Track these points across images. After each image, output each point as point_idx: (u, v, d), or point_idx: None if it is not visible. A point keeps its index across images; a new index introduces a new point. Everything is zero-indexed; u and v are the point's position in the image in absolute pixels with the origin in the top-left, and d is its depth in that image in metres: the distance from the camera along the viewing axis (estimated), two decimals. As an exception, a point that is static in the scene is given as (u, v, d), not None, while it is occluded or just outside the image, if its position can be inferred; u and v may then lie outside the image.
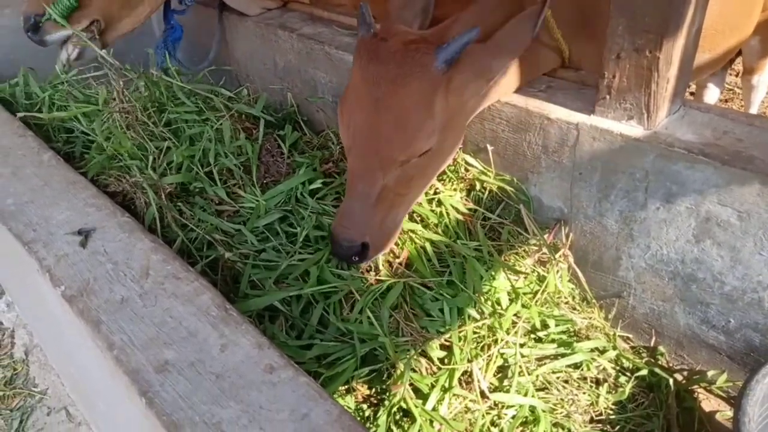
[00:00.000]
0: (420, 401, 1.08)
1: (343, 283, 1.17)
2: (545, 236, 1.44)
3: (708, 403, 1.34)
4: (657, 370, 1.31)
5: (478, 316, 1.23)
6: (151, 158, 1.29)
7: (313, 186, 1.46)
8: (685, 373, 1.37)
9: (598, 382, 1.30)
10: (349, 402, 1.10)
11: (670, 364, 1.41)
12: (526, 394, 1.17)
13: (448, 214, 1.43)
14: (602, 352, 1.33)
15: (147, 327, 0.82)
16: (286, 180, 1.44)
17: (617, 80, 1.27)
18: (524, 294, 1.30)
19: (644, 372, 1.31)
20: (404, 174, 1.22)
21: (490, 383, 1.19)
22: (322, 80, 1.93)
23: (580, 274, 1.43)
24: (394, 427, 1.08)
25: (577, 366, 1.30)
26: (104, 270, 0.93)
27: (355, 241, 1.17)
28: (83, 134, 1.53)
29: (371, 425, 1.07)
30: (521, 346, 1.22)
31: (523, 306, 1.25)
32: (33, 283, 1.10)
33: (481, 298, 1.26)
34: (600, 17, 1.51)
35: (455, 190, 1.51)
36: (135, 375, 0.75)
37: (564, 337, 1.32)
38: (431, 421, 1.06)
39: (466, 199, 1.52)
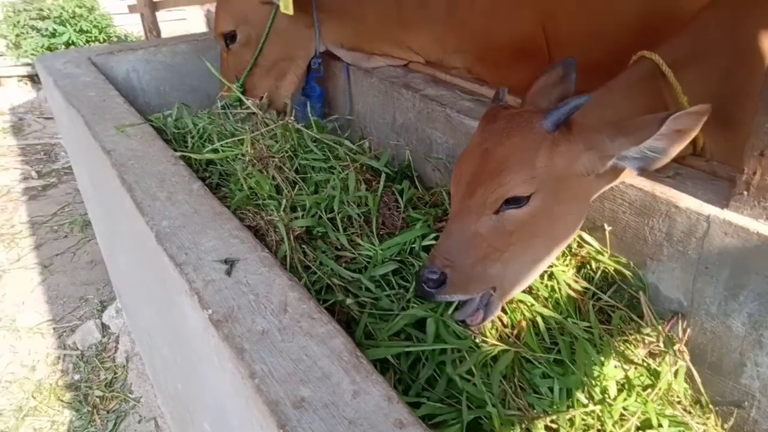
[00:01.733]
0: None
1: (459, 343, 1.18)
2: (661, 327, 1.38)
3: None
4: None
5: (585, 401, 1.19)
6: (284, 201, 1.39)
7: (426, 242, 1.51)
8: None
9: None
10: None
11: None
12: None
13: (559, 289, 1.42)
14: (716, 461, 1.25)
15: (285, 361, 0.87)
16: (402, 233, 1.49)
17: (758, 177, 1.23)
18: (636, 386, 1.25)
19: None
20: (500, 225, 1.24)
21: (595, 474, 1.14)
22: (438, 140, 2.00)
23: (695, 374, 1.36)
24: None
25: (688, 471, 1.22)
26: (247, 300, 1.00)
27: (435, 267, 1.20)
28: (221, 167, 1.68)
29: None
30: (631, 441, 1.17)
31: (636, 398, 1.20)
32: (172, 302, 1.20)
33: (591, 382, 1.22)
34: (739, 110, 1.49)
35: (567, 265, 1.50)
36: (274, 407, 0.79)
37: (676, 439, 1.25)
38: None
39: (577, 276, 1.50)
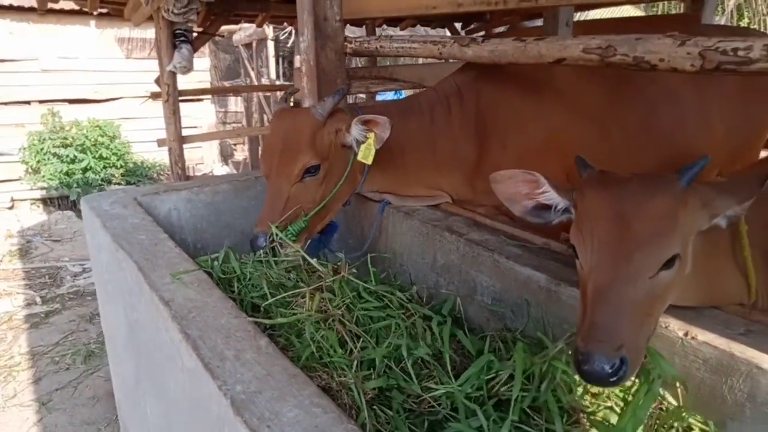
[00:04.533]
0: None
1: None
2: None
3: None
4: None
5: None
6: (355, 361, 1.36)
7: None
8: None
9: None
10: None
11: None
12: None
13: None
14: None
15: None
16: (473, 365, 1.43)
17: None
18: None
19: None
20: (652, 291, 1.24)
21: None
22: (483, 283, 2.01)
23: None
24: None
25: None
26: (344, 485, 0.93)
27: (612, 355, 1.14)
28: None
29: None
30: None
31: None
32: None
33: None
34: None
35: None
36: None
37: None
38: None
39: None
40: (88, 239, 2.47)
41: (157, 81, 5.43)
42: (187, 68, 5.27)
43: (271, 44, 9.02)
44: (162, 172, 9.19)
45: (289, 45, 9.20)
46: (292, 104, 2.40)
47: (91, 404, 3.86)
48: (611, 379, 1.15)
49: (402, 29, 7.43)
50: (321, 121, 2.13)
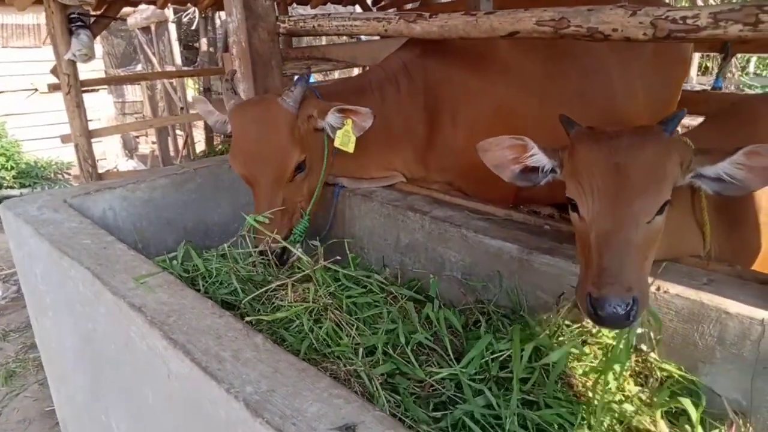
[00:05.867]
0: None
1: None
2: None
3: None
4: None
5: None
6: (361, 349, 1.32)
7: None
8: None
9: None
10: None
11: None
12: None
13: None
14: None
15: None
16: (473, 348, 1.45)
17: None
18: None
19: None
20: (649, 234, 1.33)
21: None
22: (452, 258, 2.03)
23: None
24: None
25: None
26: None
27: (626, 295, 1.20)
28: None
29: None
30: None
31: None
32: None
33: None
34: (747, 210, 1.66)
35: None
36: None
37: None
38: None
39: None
40: (13, 249, 2.21)
41: (54, 71, 4.94)
42: (89, 56, 4.84)
43: (173, 27, 8.46)
44: (60, 171, 8.42)
45: (193, 27, 8.67)
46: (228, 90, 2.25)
47: (23, 428, 3.51)
48: (627, 320, 1.20)
49: (312, 7, 7.25)
50: (294, 113, 2.00)
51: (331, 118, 2.03)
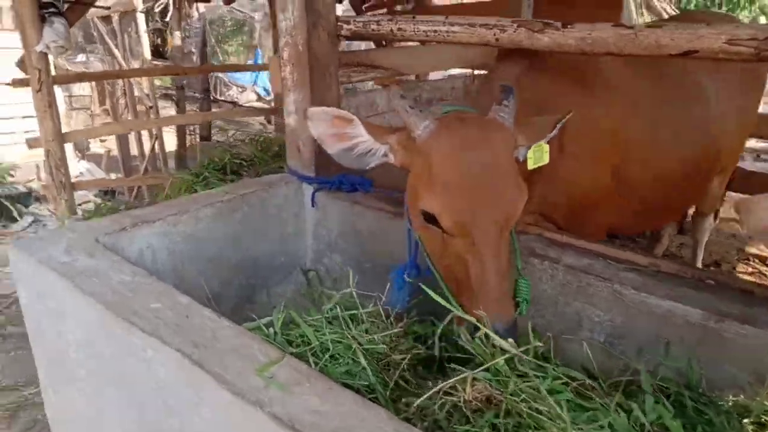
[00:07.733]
0: None
1: None
2: None
3: None
4: None
5: None
6: None
7: None
8: None
9: None
10: None
11: None
12: None
13: None
14: None
15: None
16: None
17: None
18: None
19: None
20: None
21: None
22: (594, 318, 1.70)
23: None
24: None
25: None
26: None
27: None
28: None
29: None
30: None
31: None
32: None
33: None
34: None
35: None
36: None
37: None
38: None
39: None
40: (24, 297, 1.67)
41: (21, 64, 4.27)
42: (64, 47, 4.20)
43: (141, 17, 7.66)
44: (13, 175, 7.49)
45: (167, 18, 7.86)
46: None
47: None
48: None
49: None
50: (513, 135, 1.54)
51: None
